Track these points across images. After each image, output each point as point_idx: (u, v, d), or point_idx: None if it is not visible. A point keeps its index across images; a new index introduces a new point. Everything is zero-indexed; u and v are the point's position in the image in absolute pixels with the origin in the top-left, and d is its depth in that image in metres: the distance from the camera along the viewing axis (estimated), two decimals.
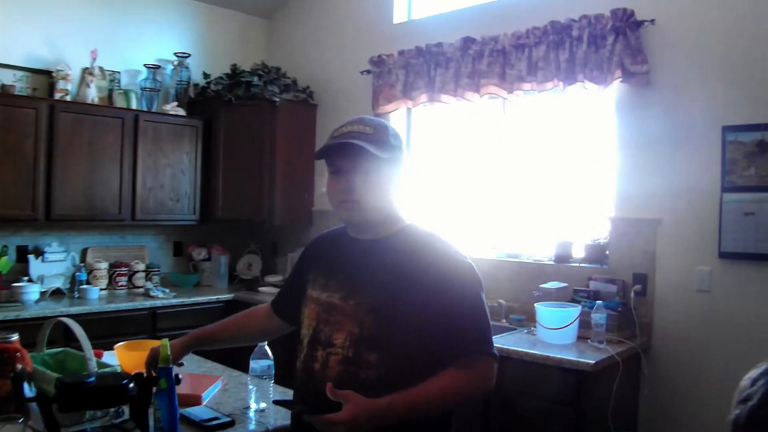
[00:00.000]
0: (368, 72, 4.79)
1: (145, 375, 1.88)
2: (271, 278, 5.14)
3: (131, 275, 4.79)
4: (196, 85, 5.16)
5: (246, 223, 5.36)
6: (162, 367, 1.82)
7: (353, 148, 1.64)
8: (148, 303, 4.45)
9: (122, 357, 2.39)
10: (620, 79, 3.54)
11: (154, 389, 1.83)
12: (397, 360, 1.61)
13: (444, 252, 1.71)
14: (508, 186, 4.27)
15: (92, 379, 1.78)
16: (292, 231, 5.41)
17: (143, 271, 4.85)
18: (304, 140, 5.25)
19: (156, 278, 4.89)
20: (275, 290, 4.83)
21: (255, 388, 2.20)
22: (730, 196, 3.28)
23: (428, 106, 4.44)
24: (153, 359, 1.90)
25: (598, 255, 3.76)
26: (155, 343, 2.53)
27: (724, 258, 3.29)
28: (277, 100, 4.91)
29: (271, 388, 2.24)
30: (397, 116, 4.76)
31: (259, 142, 5.02)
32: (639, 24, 3.50)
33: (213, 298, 4.80)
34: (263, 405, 2.17)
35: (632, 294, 3.49)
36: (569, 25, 3.71)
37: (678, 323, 3.42)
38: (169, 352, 1.84)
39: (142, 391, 1.84)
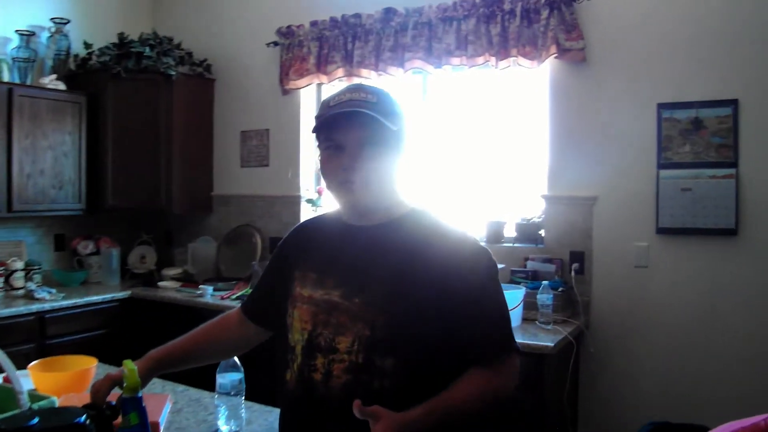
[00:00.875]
0: (275, 44, 4.46)
1: (103, 406, 1.51)
2: (169, 271, 4.68)
3: (8, 275, 4.15)
4: (76, 55, 4.58)
5: (139, 212, 4.87)
6: (129, 398, 1.47)
7: (359, 118, 1.41)
8: (34, 307, 3.87)
9: (40, 380, 1.98)
10: (555, 55, 3.48)
11: (117, 425, 1.48)
12: (415, 364, 1.40)
13: (458, 237, 1.51)
14: (436, 164, 4.11)
15: (35, 421, 1.33)
16: (190, 219, 4.98)
17: (22, 270, 4.21)
18: (203, 118, 4.83)
19: (37, 277, 4.27)
20: (176, 284, 4.46)
21: (224, 407, 1.88)
22: (666, 172, 3.32)
23: (345, 81, 4.19)
24: (107, 387, 1.53)
25: (532, 234, 3.71)
26: (78, 360, 2.16)
27: (662, 233, 3.34)
28: (173, 73, 4.46)
29: (243, 407, 1.91)
30: (306, 92, 4.49)
31: (153, 121, 4.54)
32: None
33: (108, 297, 4.27)
34: (235, 428, 1.85)
35: (572, 273, 3.48)
36: None
37: (617, 300, 3.45)
38: (138, 378, 1.48)
39: (102, 429, 1.47)
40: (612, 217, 3.47)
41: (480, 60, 3.68)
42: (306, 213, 4.47)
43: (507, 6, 3.58)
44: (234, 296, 4.07)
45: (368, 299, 1.42)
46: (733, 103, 3.18)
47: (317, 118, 1.50)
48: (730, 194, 3.18)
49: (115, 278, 4.65)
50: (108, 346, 3.93)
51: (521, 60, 3.57)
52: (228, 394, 1.86)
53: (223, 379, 1.90)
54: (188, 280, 4.59)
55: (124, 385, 1.48)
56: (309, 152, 4.52)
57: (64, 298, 4.05)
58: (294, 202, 4.50)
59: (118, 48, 4.47)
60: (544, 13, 3.48)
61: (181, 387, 2.25)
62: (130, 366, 1.49)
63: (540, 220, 3.69)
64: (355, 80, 4.13)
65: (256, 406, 2.03)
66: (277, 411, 1.85)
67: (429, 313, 1.40)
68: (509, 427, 2.59)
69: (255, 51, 4.61)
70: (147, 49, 4.44)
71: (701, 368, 3.23)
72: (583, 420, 3.51)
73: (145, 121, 4.54)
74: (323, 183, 1.72)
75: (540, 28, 3.49)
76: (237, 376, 1.91)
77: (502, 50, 3.60)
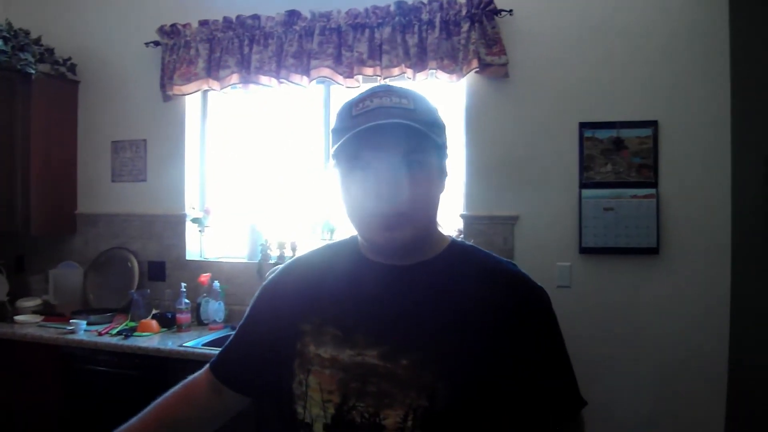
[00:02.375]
0: (156, 44, 3.98)
1: None
2: (25, 302, 4.00)
3: None
4: None
5: None
6: None
7: (397, 131, 1.10)
8: None
9: None
10: (476, 70, 3.36)
11: None
12: None
13: (516, 277, 1.24)
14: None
15: None
16: (49, 242, 4.32)
17: None
18: (66, 125, 4.22)
19: None
20: (37, 318, 3.85)
21: None
22: (588, 192, 3.31)
23: (240, 88, 3.82)
24: None
25: None
26: None
27: (585, 253, 3.32)
28: (33, 71, 3.85)
29: None
30: (192, 99, 4.06)
31: (6, 126, 3.88)
32: (496, 12, 3.34)
33: None
34: None
35: None
36: (418, 7, 3.42)
37: None
38: None
39: None
40: (534, 237, 3.40)
41: (395, 71, 3.47)
42: (191, 234, 4.03)
43: (425, 16, 3.41)
44: (114, 331, 3.55)
45: (422, 359, 1.11)
46: (653, 124, 3.22)
47: (338, 131, 1.16)
48: (652, 214, 3.21)
49: None
50: None
51: (440, 73, 3.41)
52: None
53: None
54: (51, 313, 3.97)
55: None
56: (193, 165, 4.09)
57: None
58: (177, 222, 4.03)
59: None
60: (465, 26, 3.35)
61: None
62: None
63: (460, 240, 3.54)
64: (252, 87, 3.78)
65: None
66: None
67: (497, 372, 1.11)
68: None
69: (131, 51, 4.09)
70: (0, 43, 3.81)
71: (624, 386, 3.23)
72: None
73: None
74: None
75: (460, 40, 3.35)
76: None
77: (419, 62, 3.42)
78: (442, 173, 1.21)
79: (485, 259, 1.27)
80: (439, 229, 1.28)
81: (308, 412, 1.17)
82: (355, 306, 1.20)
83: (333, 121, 1.22)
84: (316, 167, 3.88)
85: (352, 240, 1.31)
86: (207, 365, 1.39)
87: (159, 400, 1.34)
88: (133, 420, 1.30)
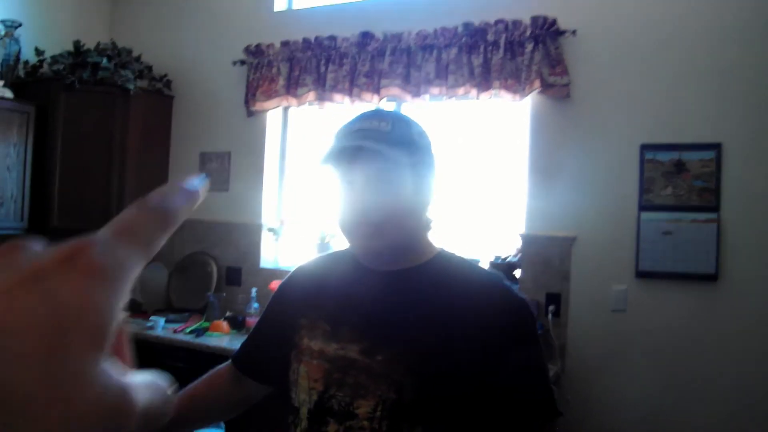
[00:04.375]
0: (242, 62, 4.27)
1: None
2: None
3: None
4: (26, 62, 4.29)
5: (86, 234, 4.49)
6: None
7: (367, 152, 1.23)
8: None
9: None
10: (539, 90, 3.41)
11: None
12: None
13: (497, 286, 1.31)
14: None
15: None
16: None
17: None
18: (160, 137, 4.57)
19: None
20: (124, 315, 4.13)
21: None
22: (647, 215, 3.27)
23: (316, 105, 4.03)
24: None
25: (507, 274, 3.57)
26: None
27: (641, 277, 3.27)
28: (132, 87, 4.21)
29: None
30: (273, 115, 4.30)
31: (107, 136, 4.25)
32: (560, 33, 3.39)
33: None
34: None
35: (548, 315, 3.37)
36: (484, 28, 3.52)
37: (593, 344, 3.35)
38: None
39: None
40: (590, 259, 3.38)
41: (461, 91, 3.58)
42: (267, 243, 4.26)
43: (491, 37, 3.50)
44: (188, 329, 3.79)
45: (394, 356, 1.22)
46: (717, 147, 3.16)
47: (328, 148, 1.30)
48: (712, 239, 3.14)
49: None
50: None
51: (503, 93, 3.48)
52: None
53: None
54: (136, 310, 4.28)
55: None
56: (272, 178, 4.32)
57: None
58: (254, 230, 4.27)
59: (74, 57, 4.19)
60: (529, 47, 3.41)
61: None
62: None
63: (516, 259, 3.57)
64: (327, 105, 3.98)
65: None
66: None
67: (466, 373, 1.20)
68: None
69: (219, 69, 4.40)
70: (104, 60, 4.19)
71: (681, 416, 3.15)
72: None
73: (98, 136, 4.25)
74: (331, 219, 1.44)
75: (524, 61, 3.42)
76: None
77: (483, 82, 3.51)
78: (419, 188, 1.30)
79: (469, 269, 1.36)
80: (426, 239, 1.37)
81: (297, 398, 1.31)
82: (345, 305, 1.33)
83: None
84: None
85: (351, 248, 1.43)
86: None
87: (187, 387, 1.49)
88: None
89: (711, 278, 3.13)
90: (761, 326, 3.05)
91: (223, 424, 1.72)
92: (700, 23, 3.22)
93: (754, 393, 3.03)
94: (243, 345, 1.55)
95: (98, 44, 4.34)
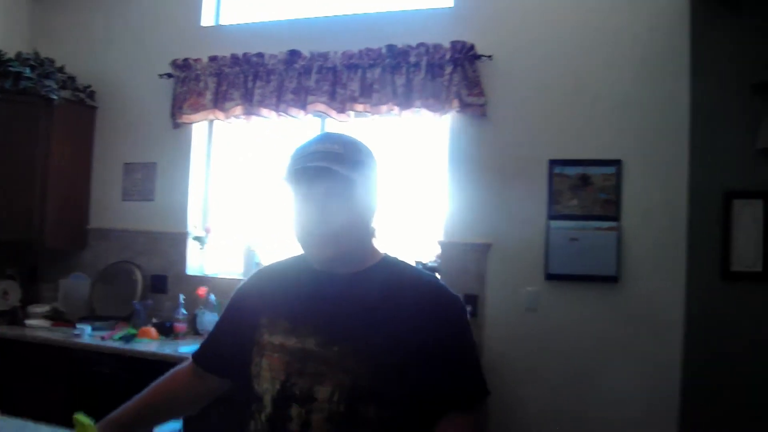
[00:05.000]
0: (169, 75, 4.35)
1: None
2: (35, 308, 4.31)
3: None
4: None
5: (4, 245, 4.43)
6: None
7: (322, 171, 1.43)
8: None
9: None
10: (457, 109, 3.69)
11: None
12: (396, 413, 1.42)
13: (434, 286, 1.54)
14: None
15: None
16: (60, 254, 4.66)
17: None
18: (82, 147, 4.58)
19: None
20: (46, 323, 4.16)
21: None
22: (556, 223, 3.60)
23: (243, 119, 4.17)
24: None
25: None
26: None
27: (551, 279, 3.60)
28: (56, 97, 4.22)
29: None
30: (199, 127, 4.41)
31: (29, 147, 4.24)
32: (477, 57, 3.68)
33: None
34: None
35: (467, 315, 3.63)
36: (407, 50, 3.77)
37: (508, 342, 3.65)
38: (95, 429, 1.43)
39: None
40: (504, 263, 3.69)
41: (384, 108, 3.81)
42: (193, 251, 4.35)
43: (413, 59, 3.75)
44: (116, 336, 3.85)
45: (348, 348, 1.42)
46: (617, 163, 3.52)
47: (286, 168, 1.49)
48: (613, 245, 3.50)
49: None
50: None
51: (424, 111, 3.75)
52: None
53: (161, 430, 1.84)
54: (59, 319, 4.27)
55: None
56: (198, 188, 4.42)
57: None
58: (180, 239, 4.36)
59: None
60: (448, 69, 3.68)
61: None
62: (82, 420, 1.43)
63: (436, 264, 3.83)
64: (254, 119, 4.12)
65: None
66: None
67: (411, 360, 1.41)
68: None
69: (145, 81, 4.46)
70: (27, 70, 4.18)
71: (589, 406, 3.48)
72: None
73: (21, 147, 4.24)
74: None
75: (444, 82, 3.69)
76: (176, 427, 1.86)
77: (406, 101, 3.76)
78: (369, 202, 1.53)
79: (410, 272, 1.58)
80: (372, 246, 1.58)
81: (260, 387, 1.49)
82: (302, 304, 1.52)
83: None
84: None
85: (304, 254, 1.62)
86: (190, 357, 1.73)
87: (152, 384, 1.67)
88: (133, 399, 1.63)
89: (612, 280, 3.49)
90: (656, 322, 3.42)
91: (181, 421, 1.87)
92: (606, 53, 3.59)
93: (650, 383, 3.39)
94: (203, 344, 1.73)
95: (19, 53, 4.31)
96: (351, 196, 1.46)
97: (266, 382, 1.47)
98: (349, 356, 1.41)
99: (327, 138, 1.52)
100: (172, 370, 1.72)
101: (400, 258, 1.62)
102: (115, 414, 1.59)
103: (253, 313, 1.58)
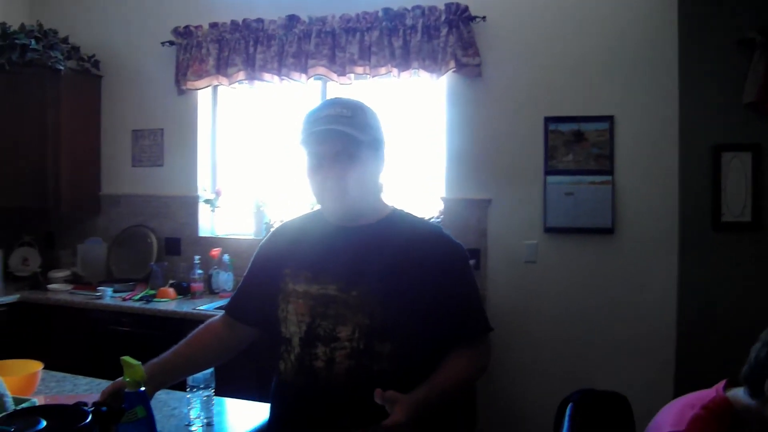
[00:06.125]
0: (171, 43, 4.44)
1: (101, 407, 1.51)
2: (56, 273, 4.50)
3: None
4: None
5: (22, 212, 4.61)
6: (132, 392, 1.52)
7: (334, 133, 1.60)
8: None
9: None
10: (453, 70, 3.78)
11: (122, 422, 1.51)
12: (409, 348, 1.61)
13: (439, 235, 1.74)
14: None
15: (41, 425, 1.38)
16: (75, 220, 4.82)
17: None
18: (90, 116, 4.70)
19: None
20: (68, 287, 4.34)
21: (196, 400, 1.94)
22: (552, 178, 3.74)
23: (246, 84, 4.27)
24: (116, 389, 1.60)
25: None
26: (25, 363, 2.17)
27: (549, 232, 3.76)
28: (62, 67, 4.32)
29: (214, 400, 2.00)
30: (204, 93, 4.51)
31: (39, 117, 4.35)
32: (471, 19, 3.76)
33: None
34: (206, 420, 1.94)
35: None
36: (403, 13, 3.84)
37: (510, 292, 3.83)
38: (143, 374, 1.55)
39: (105, 427, 1.48)
40: (504, 218, 3.84)
41: (382, 70, 3.90)
42: (204, 213, 4.51)
43: (409, 22, 3.83)
44: (136, 297, 4.05)
45: (366, 292, 1.60)
46: (610, 119, 3.64)
47: (300, 132, 1.66)
48: (607, 198, 3.64)
49: None
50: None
51: (422, 72, 3.84)
52: (199, 387, 1.96)
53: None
54: (79, 282, 4.48)
55: (127, 380, 1.53)
56: (205, 152, 4.56)
57: None
58: (191, 202, 4.52)
59: (1, 39, 4.25)
60: (444, 30, 3.76)
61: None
62: (130, 361, 1.55)
63: (439, 220, 3.99)
64: (257, 84, 4.22)
65: (228, 399, 2.15)
66: (246, 403, 2.11)
67: (421, 302, 1.61)
68: None
69: (148, 50, 4.55)
70: (33, 42, 4.27)
71: (590, 349, 3.68)
72: (483, 412, 3.82)
73: (30, 117, 4.36)
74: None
75: (440, 44, 3.77)
76: (208, 370, 2.01)
77: (403, 62, 3.85)
78: (376, 160, 1.70)
79: (417, 223, 1.79)
80: (382, 200, 1.77)
81: (287, 330, 1.69)
82: (321, 255, 1.72)
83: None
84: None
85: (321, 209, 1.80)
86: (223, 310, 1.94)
87: (188, 336, 1.87)
88: (170, 350, 1.81)
89: (608, 231, 3.65)
90: (650, 271, 3.59)
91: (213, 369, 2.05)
92: (596, 11, 3.67)
93: (645, 327, 3.59)
94: (233, 297, 1.94)
95: (23, 26, 4.39)
96: (360, 155, 1.63)
97: (293, 325, 1.67)
98: (367, 299, 1.60)
99: (336, 103, 1.69)
100: (204, 323, 1.92)
101: (407, 211, 1.80)
102: (156, 360, 1.76)
103: (276, 265, 1.77)
